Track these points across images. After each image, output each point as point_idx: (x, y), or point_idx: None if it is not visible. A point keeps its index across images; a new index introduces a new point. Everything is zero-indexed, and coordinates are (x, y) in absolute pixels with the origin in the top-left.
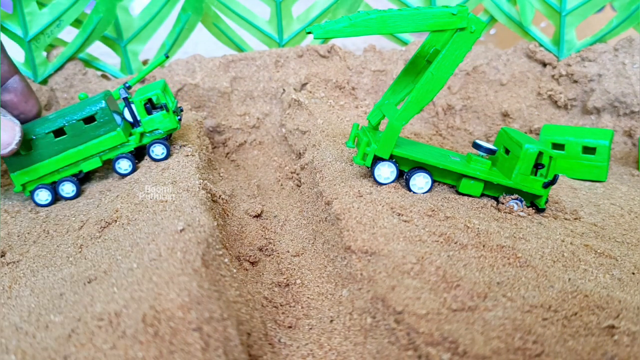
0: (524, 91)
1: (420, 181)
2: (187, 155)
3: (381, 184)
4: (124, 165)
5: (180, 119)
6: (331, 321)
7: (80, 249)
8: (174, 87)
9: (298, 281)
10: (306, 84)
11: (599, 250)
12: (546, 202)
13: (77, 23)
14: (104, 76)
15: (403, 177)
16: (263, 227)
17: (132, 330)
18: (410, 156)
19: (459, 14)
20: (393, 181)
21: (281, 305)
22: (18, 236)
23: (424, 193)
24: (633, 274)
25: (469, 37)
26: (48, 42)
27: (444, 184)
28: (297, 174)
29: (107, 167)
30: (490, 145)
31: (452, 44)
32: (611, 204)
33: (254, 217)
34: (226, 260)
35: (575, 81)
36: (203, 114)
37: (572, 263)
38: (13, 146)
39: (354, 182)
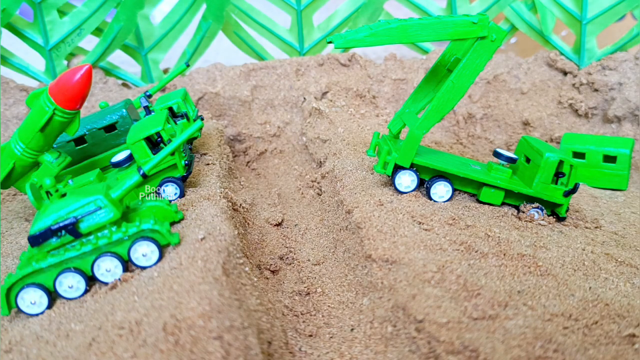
0: (544, 100)
1: (441, 190)
2: (208, 164)
3: (402, 193)
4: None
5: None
6: (352, 330)
7: None
8: (195, 96)
9: (319, 290)
10: (327, 92)
11: (619, 259)
12: (567, 210)
13: (97, 32)
14: (124, 85)
15: (424, 186)
16: (284, 236)
17: (152, 339)
18: (431, 165)
19: (479, 22)
20: (414, 190)
21: (302, 314)
22: None
23: (444, 202)
24: None
25: (490, 46)
26: (69, 51)
27: (465, 192)
28: (318, 183)
29: None
30: (511, 154)
31: (473, 52)
32: (632, 212)
33: (275, 225)
34: (247, 268)
35: (596, 90)
36: (224, 122)
37: (592, 272)
38: None
39: (375, 191)
